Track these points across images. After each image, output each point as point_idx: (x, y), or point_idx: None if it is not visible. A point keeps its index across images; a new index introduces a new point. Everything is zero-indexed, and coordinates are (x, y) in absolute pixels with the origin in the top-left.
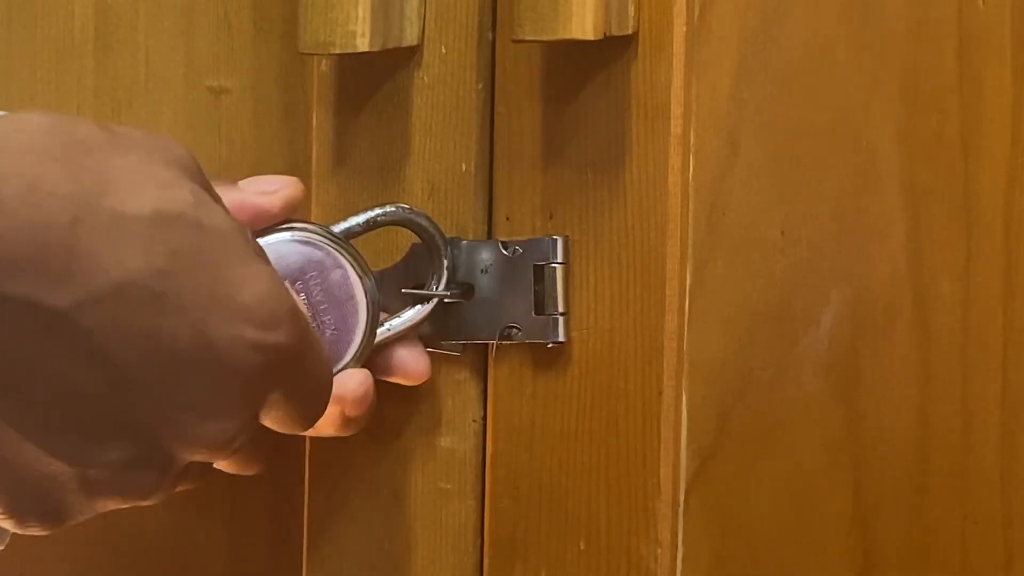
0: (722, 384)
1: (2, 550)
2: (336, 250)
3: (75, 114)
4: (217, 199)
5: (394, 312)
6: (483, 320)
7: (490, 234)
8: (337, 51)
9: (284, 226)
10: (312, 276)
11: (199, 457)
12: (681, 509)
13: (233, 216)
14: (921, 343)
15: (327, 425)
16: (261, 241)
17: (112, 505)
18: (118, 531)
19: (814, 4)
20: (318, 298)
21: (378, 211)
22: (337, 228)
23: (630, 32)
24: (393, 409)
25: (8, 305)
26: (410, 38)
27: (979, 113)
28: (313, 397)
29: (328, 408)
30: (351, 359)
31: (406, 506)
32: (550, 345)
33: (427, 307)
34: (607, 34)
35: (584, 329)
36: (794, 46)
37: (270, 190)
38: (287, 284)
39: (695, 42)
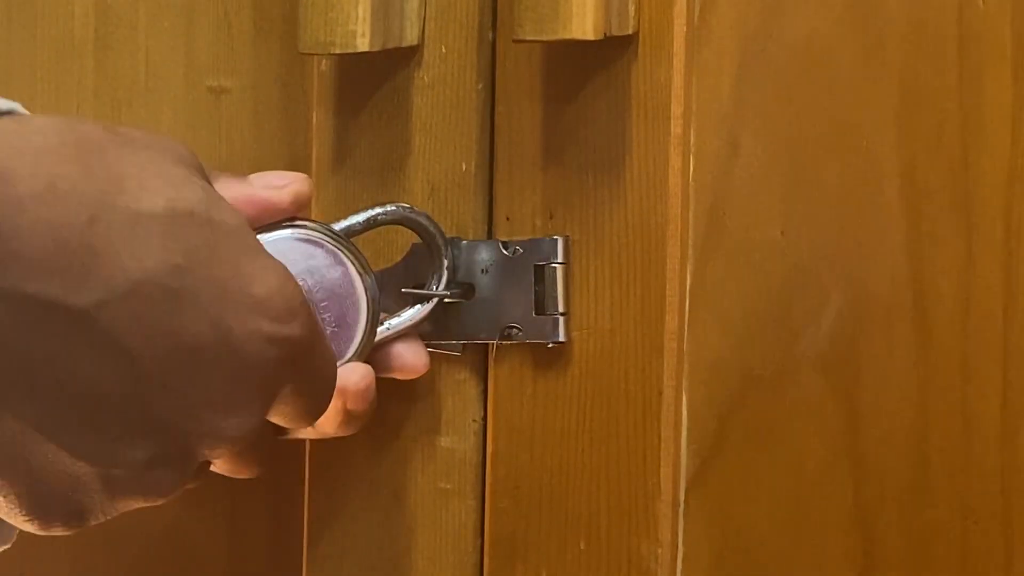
0: (722, 384)
1: (7, 549)
2: (337, 248)
3: (75, 114)
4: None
5: (394, 312)
6: (483, 320)
7: (490, 234)
8: (337, 51)
9: (285, 223)
10: (313, 273)
11: (217, 453)
12: (681, 509)
13: (237, 212)
14: (921, 343)
15: (329, 422)
16: (262, 238)
17: (133, 504)
18: (118, 531)
19: (814, 4)
20: (319, 295)
21: (378, 210)
22: (338, 226)
23: (630, 32)
24: (393, 409)
25: (29, 305)
26: (410, 38)
27: (979, 113)
28: (320, 391)
29: (330, 403)
30: (351, 356)
31: (406, 506)
32: (550, 345)
33: (427, 307)
34: (607, 34)
35: (584, 329)
36: (794, 46)
37: (279, 184)
38: None
39: (695, 42)
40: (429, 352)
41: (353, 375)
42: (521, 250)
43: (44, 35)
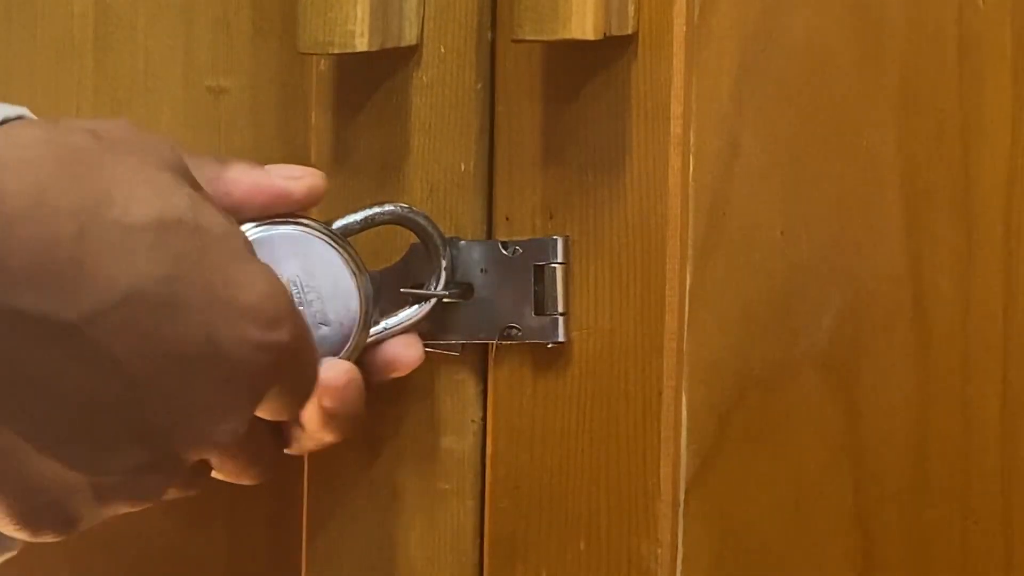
0: (722, 384)
1: (14, 556)
2: (333, 246)
3: (74, 114)
4: (207, 197)
5: (393, 312)
6: (483, 320)
7: (490, 234)
8: (336, 51)
9: (283, 219)
10: (307, 270)
11: (206, 456)
12: (681, 509)
13: (225, 215)
14: (921, 343)
15: (311, 421)
16: (260, 231)
17: (123, 509)
18: (118, 534)
19: (814, 5)
20: (311, 292)
21: (376, 209)
22: (335, 225)
23: (630, 32)
24: (392, 409)
25: (20, 320)
26: (409, 38)
27: (979, 113)
28: (303, 390)
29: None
30: (343, 355)
31: (405, 506)
32: (550, 345)
33: (425, 307)
34: (607, 34)
35: (584, 329)
36: (794, 46)
37: (296, 176)
38: (283, 277)
39: (695, 42)
40: (428, 352)
41: (330, 372)
42: (521, 250)
43: (44, 35)
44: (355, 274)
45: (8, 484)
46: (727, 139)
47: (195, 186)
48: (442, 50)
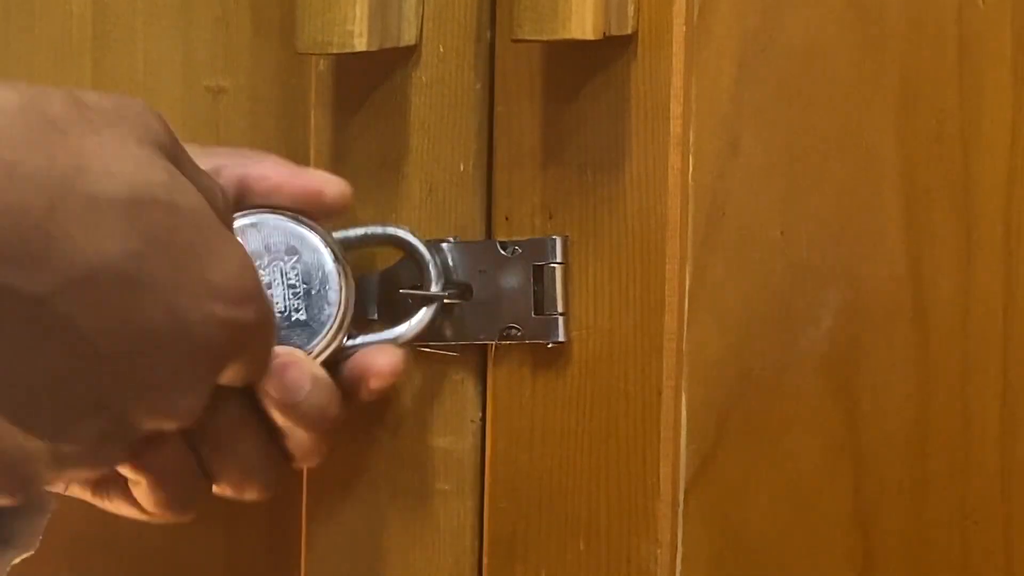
0: (722, 384)
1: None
2: (322, 242)
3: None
4: (190, 171)
5: (392, 312)
6: (483, 320)
7: (489, 234)
8: (335, 51)
9: (282, 210)
10: (293, 258)
11: (165, 427)
12: (681, 509)
13: (209, 184)
14: (921, 343)
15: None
16: (255, 214)
17: (82, 475)
18: (116, 534)
19: (814, 4)
20: (292, 280)
21: (361, 231)
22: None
23: (630, 32)
24: (392, 409)
25: None
26: (408, 38)
27: (979, 113)
28: (262, 363)
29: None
30: (316, 351)
31: (405, 507)
32: (550, 345)
33: (430, 312)
34: (607, 34)
35: (584, 329)
36: (794, 46)
37: (332, 179)
38: (265, 258)
39: (695, 42)
40: (428, 352)
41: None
42: (520, 250)
43: (42, 35)
44: (341, 275)
45: None
46: (727, 139)
47: (179, 161)
48: (441, 50)
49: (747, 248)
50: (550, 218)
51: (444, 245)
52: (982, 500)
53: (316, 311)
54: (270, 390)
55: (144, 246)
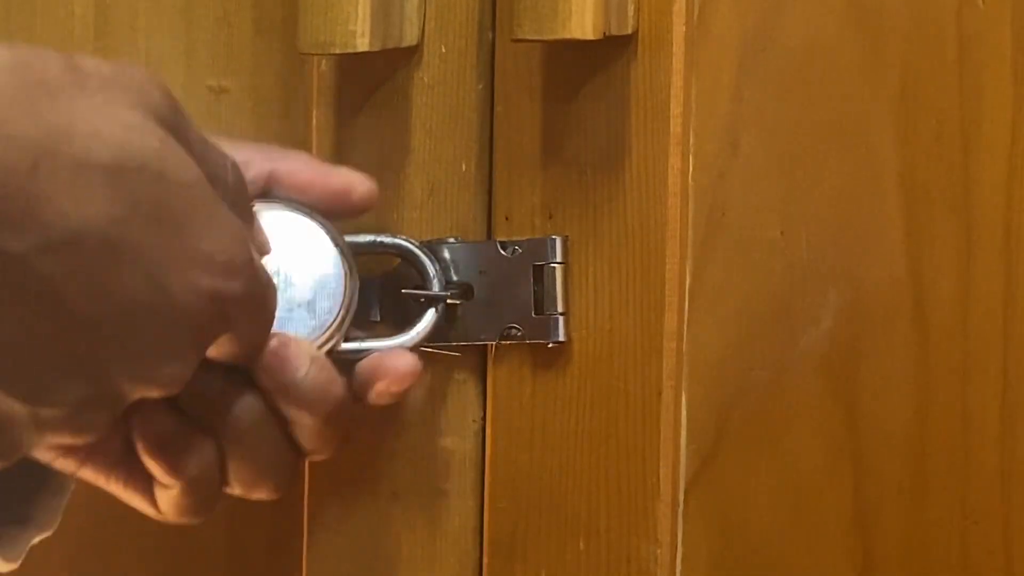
0: (722, 384)
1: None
2: (332, 238)
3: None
4: (194, 143)
5: (394, 314)
6: (483, 321)
7: (490, 234)
8: (337, 51)
9: (296, 204)
10: (302, 252)
11: (149, 395)
12: (681, 509)
13: (218, 160)
14: (921, 343)
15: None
16: (267, 205)
17: (65, 441)
18: (117, 531)
19: (814, 4)
20: (299, 273)
21: (368, 238)
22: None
23: (630, 32)
24: (393, 409)
25: None
26: (410, 38)
27: (979, 113)
28: (257, 340)
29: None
30: (317, 344)
31: (406, 506)
32: (550, 345)
33: (435, 315)
34: (607, 34)
35: (584, 329)
36: (794, 46)
37: (360, 178)
38: (273, 248)
39: (695, 42)
40: (428, 352)
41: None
42: (520, 250)
43: (43, 34)
44: (347, 273)
45: None
46: (727, 139)
47: (180, 131)
48: (443, 50)
49: (747, 248)
50: (550, 218)
51: (445, 245)
52: (982, 500)
53: (319, 305)
54: (268, 368)
55: (129, 212)
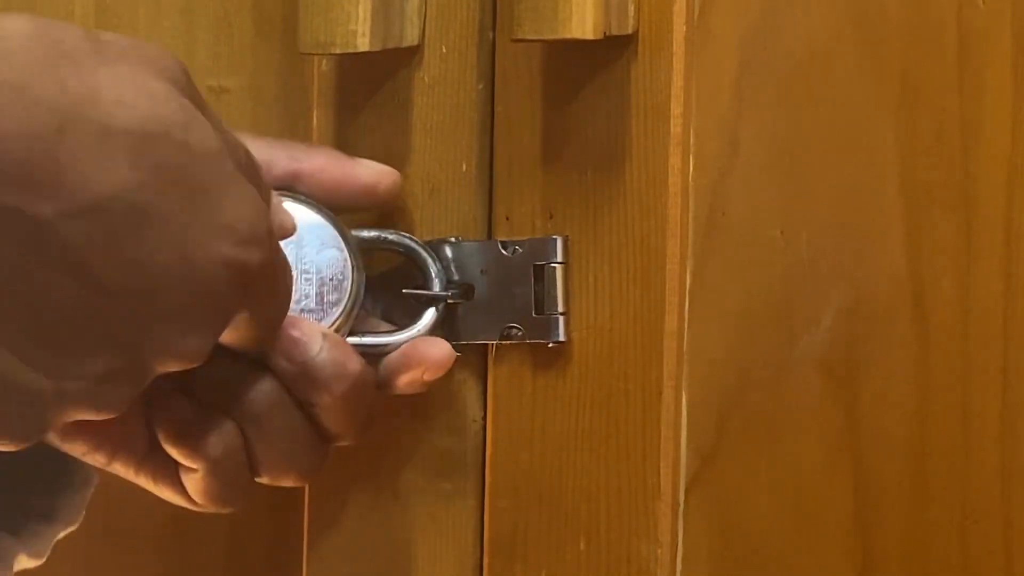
0: (722, 384)
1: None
2: (340, 233)
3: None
4: (210, 114)
5: (394, 313)
6: (483, 320)
7: (490, 234)
8: (337, 51)
9: (306, 198)
10: (310, 245)
11: (171, 369)
12: (681, 509)
13: (232, 140)
14: (921, 343)
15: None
16: (284, 196)
17: (87, 416)
18: (119, 529)
19: (814, 4)
20: (307, 266)
21: (372, 233)
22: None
23: (630, 32)
24: (393, 409)
25: None
26: (410, 38)
27: (979, 113)
28: (272, 322)
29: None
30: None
31: (406, 506)
32: (550, 345)
33: (437, 313)
34: (607, 34)
35: (584, 329)
36: (794, 46)
37: (386, 171)
38: (291, 223)
39: (695, 42)
40: None
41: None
42: (520, 250)
43: None
44: (355, 268)
45: None
46: (727, 139)
47: (195, 100)
48: (444, 50)
49: (747, 248)
50: (550, 218)
51: (446, 245)
52: (982, 500)
53: (326, 298)
54: (282, 349)
55: (154, 179)
